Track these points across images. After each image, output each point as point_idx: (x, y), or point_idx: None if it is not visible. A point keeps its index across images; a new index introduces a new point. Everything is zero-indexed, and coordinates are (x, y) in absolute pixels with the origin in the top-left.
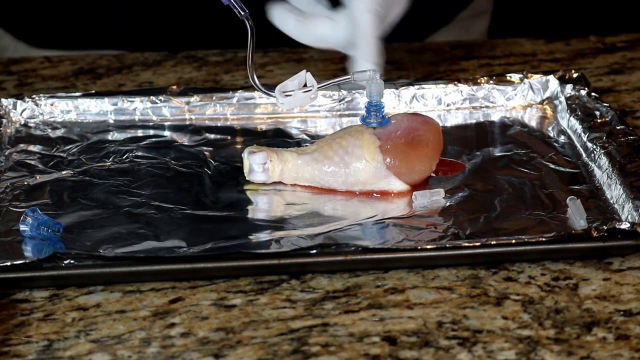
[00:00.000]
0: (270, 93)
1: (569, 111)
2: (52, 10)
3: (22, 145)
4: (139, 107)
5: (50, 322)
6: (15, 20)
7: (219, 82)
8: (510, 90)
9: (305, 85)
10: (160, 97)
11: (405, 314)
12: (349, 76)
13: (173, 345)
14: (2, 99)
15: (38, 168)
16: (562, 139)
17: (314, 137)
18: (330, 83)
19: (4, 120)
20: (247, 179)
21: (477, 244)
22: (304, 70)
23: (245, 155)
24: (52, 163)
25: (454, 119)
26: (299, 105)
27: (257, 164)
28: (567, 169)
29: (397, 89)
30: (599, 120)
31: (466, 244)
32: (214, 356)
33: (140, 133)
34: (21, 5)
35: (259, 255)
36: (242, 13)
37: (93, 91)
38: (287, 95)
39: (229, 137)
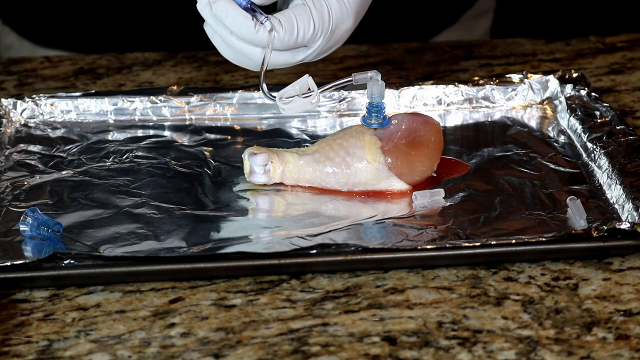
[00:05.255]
0: (272, 97)
1: (569, 111)
2: (54, 9)
3: (22, 145)
4: (139, 107)
5: (50, 322)
6: (20, 18)
7: (219, 82)
8: (510, 90)
9: (308, 90)
10: (160, 97)
11: (405, 314)
12: (350, 78)
13: (173, 345)
14: (2, 99)
15: (38, 168)
16: (562, 139)
17: (314, 137)
18: (332, 86)
19: (4, 120)
20: (247, 180)
21: (477, 244)
22: (306, 75)
23: (245, 156)
24: (52, 163)
25: (454, 119)
26: (300, 110)
27: (258, 165)
28: (567, 169)
29: (397, 89)
30: (599, 120)
31: (466, 244)
32: (214, 356)
33: (140, 133)
34: (25, 3)
35: (259, 255)
36: (263, 18)
37: (93, 91)
38: (288, 101)
39: (229, 137)
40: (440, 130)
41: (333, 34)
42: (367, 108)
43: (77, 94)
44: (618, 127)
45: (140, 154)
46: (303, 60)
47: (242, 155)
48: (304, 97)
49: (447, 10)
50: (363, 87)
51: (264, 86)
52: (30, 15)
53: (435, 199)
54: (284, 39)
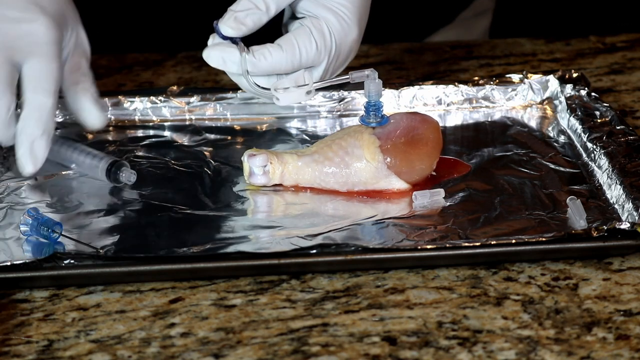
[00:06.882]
0: (266, 89)
1: (569, 111)
2: None
3: None
4: (139, 107)
5: (50, 322)
6: None
7: (219, 82)
8: (510, 90)
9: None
10: (160, 97)
11: (405, 314)
12: (347, 76)
13: (173, 345)
14: None
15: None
16: (562, 139)
17: (314, 138)
18: (328, 82)
19: None
20: (247, 182)
21: (477, 244)
22: (302, 69)
23: (245, 158)
24: (53, 162)
25: (454, 119)
26: (294, 101)
27: (257, 166)
28: (567, 169)
29: (397, 89)
30: (599, 120)
31: (466, 244)
32: (214, 356)
33: (140, 133)
34: None
35: (259, 255)
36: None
37: None
38: (282, 92)
39: (229, 137)
40: (438, 129)
41: (340, 50)
42: (365, 107)
43: None
44: (618, 127)
45: (140, 154)
46: (319, 79)
47: (242, 158)
48: (298, 88)
49: (442, 9)
50: (362, 86)
51: (250, 79)
52: None
53: (435, 199)
54: (287, 60)
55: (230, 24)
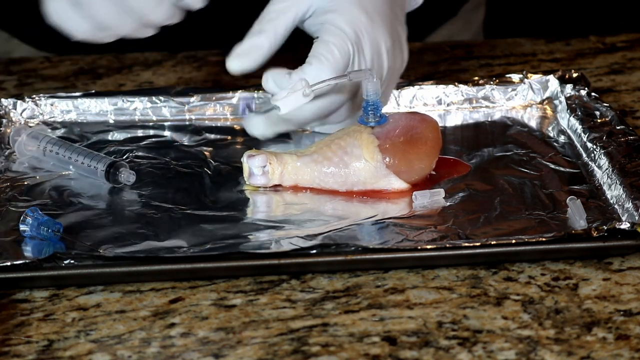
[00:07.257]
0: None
1: (569, 111)
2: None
3: None
4: (139, 107)
5: (50, 322)
6: (19, 23)
7: (219, 82)
8: (510, 90)
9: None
10: (160, 97)
11: (405, 314)
12: (345, 75)
13: (173, 345)
14: (2, 99)
15: (38, 168)
16: (562, 139)
17: (314, 138)
18: (325, 81)
19: (4, 120)
20: (247, 183)
21: (477, 244)
22: (298, 77)
23: (244, 159)
24: (52, 163)
25: (454, 119)
26: (296, 106)
27: (256, 167)
28: (567, 169)
29: (397, 89)
30: (599, 120)
31: (466, 244)
32: (214, 356)
33: (140, 133)
34: (23, 7)
35: (259, 255)
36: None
37: (93, 91)
38: (281, 99)
39: (229, 137)
40: (437, 128)
41: (359, 37)
42: (363, 107)
43: (77, 94)
44: (618, 127)
45: (140, 154)
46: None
47: (242, 159)
48: (294, 92)
49: (446, 3)
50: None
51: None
52: (28, 19)
53: (435, 199)
54: (327, 70)
55: (233, 56)
